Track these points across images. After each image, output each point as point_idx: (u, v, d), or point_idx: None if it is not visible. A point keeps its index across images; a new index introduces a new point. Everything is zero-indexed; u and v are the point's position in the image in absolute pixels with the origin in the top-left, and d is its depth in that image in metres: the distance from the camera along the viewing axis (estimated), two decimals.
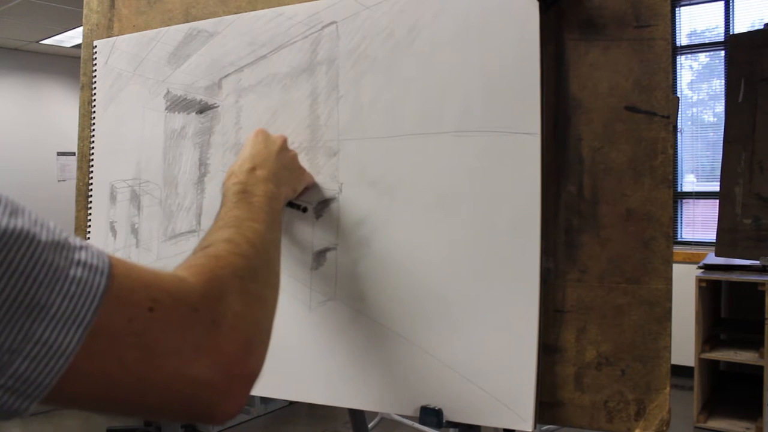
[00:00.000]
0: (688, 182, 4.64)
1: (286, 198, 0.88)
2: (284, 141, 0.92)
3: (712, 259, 3.67)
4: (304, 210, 0.97)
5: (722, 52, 4.41)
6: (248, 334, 0.55)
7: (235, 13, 1.12)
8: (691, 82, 4.71)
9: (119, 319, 0.45)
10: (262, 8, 1.09)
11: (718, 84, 4.51)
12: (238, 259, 0.61)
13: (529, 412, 0.84)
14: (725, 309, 4.03)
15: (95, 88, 1.26)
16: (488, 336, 0.88)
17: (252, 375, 0.54)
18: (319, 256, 0.99)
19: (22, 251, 0.41)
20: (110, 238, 1.21)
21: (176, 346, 0.49)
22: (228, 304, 0.54)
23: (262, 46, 1.07)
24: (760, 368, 3.29)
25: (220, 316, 0.53)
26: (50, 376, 0.42)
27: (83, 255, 0.45)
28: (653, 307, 0.84)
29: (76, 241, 0.46)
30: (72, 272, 0.44)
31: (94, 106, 1.26)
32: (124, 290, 0.46)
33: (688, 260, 4.07)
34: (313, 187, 1.00)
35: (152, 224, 1.17)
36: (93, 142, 1.25)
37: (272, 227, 0.73)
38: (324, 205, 1.00)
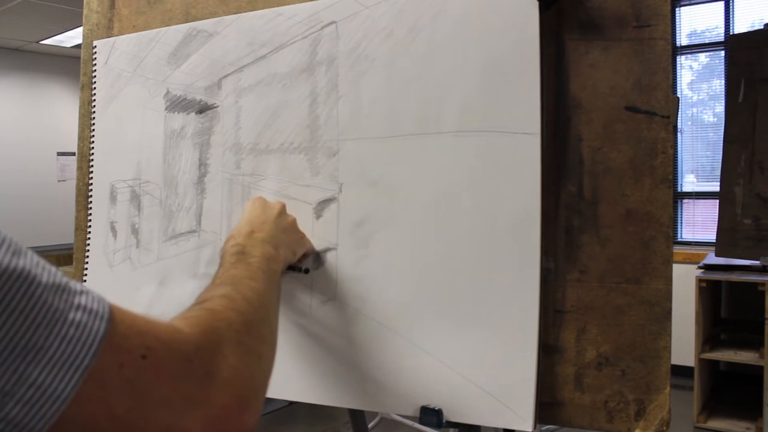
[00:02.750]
0: (688, 182, 4.63)
1: (286, 261, 0.88)
2: (282, 207, 0.93)
3: (712, 259, 3.67)
4: (306, 271, 0.97)
5: (722, 52, 4.40)
6: (243, 389, 0.54)
7: (235, 13, 1.12)
8: (691, 82, 4.71)
9: (111, 364, 0.44)
10: (262, 8, 1.09)
11: (718, 84, 4.51)
12: (234, 314, 0.60)
13: (529, 412, 0.84)
14: (725, 309, 4.03)
15: (95, 88, 1.26)
16: (488, 336, 0.88)
17: (246, 430, 0.53)
18: (319, 256, 0.99)
19: (22, 291, 0.41)
20: (110, 239, 1.21)
21: (167, 397, 0.47)
22: (223, 356, 0.53)
23: (261, 46, 1.07)
24: (760, 368, 3.29)
25: (215, 368, 0.52)
26: (42, 421, 0.41)
27: (83, 299, 0.44)
28: (653, 307, 0.84)
29: (77, 285, 0.45)
30: (71, 316, 0.43)
31: (94, 106, 1.26)
32: (118, 336, 0.45)
33: (688, 260, 4.06)
34: (312, 252, 0.99)
35: (152, 224, 1.17)
36: (93, 142, 1.25)
37: (270, 287, 0.74)
38: (324, 205, 1.00)
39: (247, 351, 0.57)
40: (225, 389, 0.51)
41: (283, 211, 0.93)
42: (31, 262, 0.42)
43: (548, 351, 0.88)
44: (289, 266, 0.91)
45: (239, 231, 0.83)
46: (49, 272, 0.43)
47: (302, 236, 0.97)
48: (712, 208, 4.18)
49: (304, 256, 0.98)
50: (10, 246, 0.42)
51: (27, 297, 0.41)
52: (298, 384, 0.99)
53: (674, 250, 0.87)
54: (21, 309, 0.40)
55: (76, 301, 0.44)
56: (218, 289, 0.66)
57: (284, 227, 0.90)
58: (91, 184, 1.25)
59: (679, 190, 4.56)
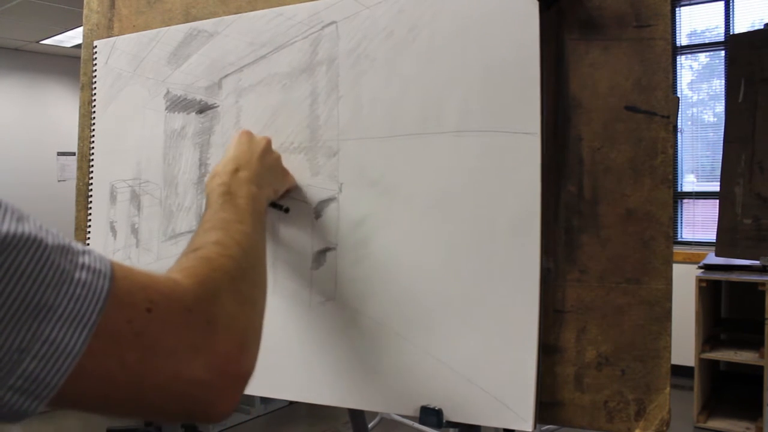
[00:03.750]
0: (688, 182, 4.63)
1: (269, 199, 0.89)
2: (268, 142, 0.93)
3: (712, 259, 3.67)
4: (286, 210, 0.99)
5: (722, 52, 4.40)
6: (241, 334, 0.56)
7: (235, 13, 1.12)
8: (691, 82, 4.71)
9: (119, 320, 0.46)
10: (262, 8, 1.09)
11: (718, 84, 4.51)
12: (228, 262, 0.62)
13: (529, 412, 0.84)
14: (725, 309, 4.03)
15: (95, 88, 1.26)
16: (488, 336, 0.88)
17: (246, 374, 0.56)
18: (319, 256, 0.99)
19: (30, 254, 0.43)
20: (110, 238, 1.21)
21: (173, 347, 0.50)
22: (221, 305, 0.56)
23: (262, 46, 1.07)
24: (760, 368, 3.29)
25: (214, 316, 0.54)
26: (58, 375, 0.43)
27: (87, 259, 0.46)
28: (653, 307, 0.84)
29: (79, 246, 0.47)
30: (77, 275, 0.45)
31: (94, 106, 1.26)
32: (123, 292, 0.47)
33: (688, 260, 4.07)
34: (295, 188, 1.00)
35: (152, 224, 1.17)
36: (93, 142, 1.25)
37: (257, 228, 0.75)
38: (324, 205, 1.00)
39: (243, 298, 0.60)
40: (225, 336, 0.54)
41: (268, 147, 0.92)
42: (34, 225, 0.44)
43: (548, 351, 0.88)
44: (270, 204, 0.91)
45: (224, 168, 0.83)
46: (52, 235, 0.45)
47: (286, 173, 0.98)
48: (712, 208, 4.18)
49: (287, 192, 0.99)
50: (14, 212, 0.43)
51: (35, 259, 0.43)
52: (298, 384, 0.99)
53: (674, 250, 0.87)
54: (30, 271, 0.42)
55: (80, 260, 0.46)
56: (210, 234, 0.68)
57: (269, 165, 0.91)
58: (91, 184, 1.25)
59: (679, 190, 4.56)
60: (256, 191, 0.82)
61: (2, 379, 0.42)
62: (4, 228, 0.42)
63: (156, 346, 0.48)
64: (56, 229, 0.47)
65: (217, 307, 0.55)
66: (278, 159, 0.96)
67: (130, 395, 0.48)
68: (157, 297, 0.50)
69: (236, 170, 0.83)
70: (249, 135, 0.91)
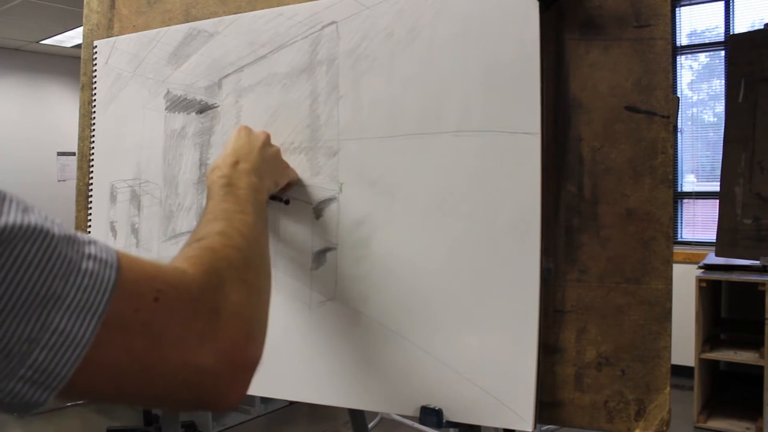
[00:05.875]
0: (688, 182, 4.63)
1: (269, 191, 0.90)
2: (267, 137, 0.93)
3: (712, 259, 3.66)
4: (286, 202, 1.00)
5: (722, 52, 4.40)
6: (248, 323, 0.56)
7: (235, 13, 1.12)
8: (691, 82, 4.71)
9: (127, 309, 0.47)
10: (262, 8, 1.09)
11: (718, 84, 4.51)
12: (232, 251, 0.62)
13: (529, 412, 0.84)
14: (725, 309, 4.03)
15: (95, 88, 1.26)
16: (488, 336, 0.88)
17: (253, 362, 0.56)
18: (319, 256, 1.00)
19: (37, 245, 0.43)
20: (110, 238, 1.21)
21: (181, 335, 0.50)
22: (227, 294, 0.56)
23: (262, 46, 1.07)
24: (760, 368, 3.29)
25: (220, 305, 0.54)
26: (68, 365, 0.43)
27: (93, 249, 0.46)
28: (653, 307, 0.84)
29: (84, 236, 0.47)
30: (84, 265, 0.45)
31: (94, 106, 1.26)
32: (130, 282, 0.47)
33: (688, 260, 4.06)
34: (297, 182, 1.01)
35: (152, 224, 1.17)
36: (93, 142, 1.25)
37: (259, 218, 0.75)
38: (324, 205, 1.00)
39: (248, 287, 0.60)
40: (231, 324, 0.54)
41: (267, 141, 0.93)
42: (40, 216, 0.44)
43: (548, 351, 0.88)
44: (270, 196, 0.91)
45: (224, 161, 0.84)
46: (58, 225, 0.45)
47: (286, 166, 0.98)
48: (712, 208, 4.18)
49: (288, 185, 0.99)
50: (19, 204, 0.43)
51: (43, 250, 0.43)
52: (298, 384, 0.99)
53: (674, 250, 0.87)
54: (38, 261, 0.42)
55: (87, 250, 0.46)
56: (213, 225, 0.68)
57: (268, 157, 0.91)
58: (91, 184, 1.25)
59: (679, 190, 4.56)
60: (256, 182, 0.82)
61: (13, 369, 0.42)
62: (11, 219, 0.42)
63: (164, 334, 0.49)
64: (60, 220, 0.47)
65: (223, 296, 0.55)
66: (277, 152, 0.96)
67: (140, 384, 0.48)
68: (163, 286, 0.50)
69: (236, 162, 0.83)
70: (248, 129, 0.92)
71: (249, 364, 0.55)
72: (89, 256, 0.46)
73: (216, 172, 0.81)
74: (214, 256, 0.60)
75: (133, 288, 0.48)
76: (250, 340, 0.56)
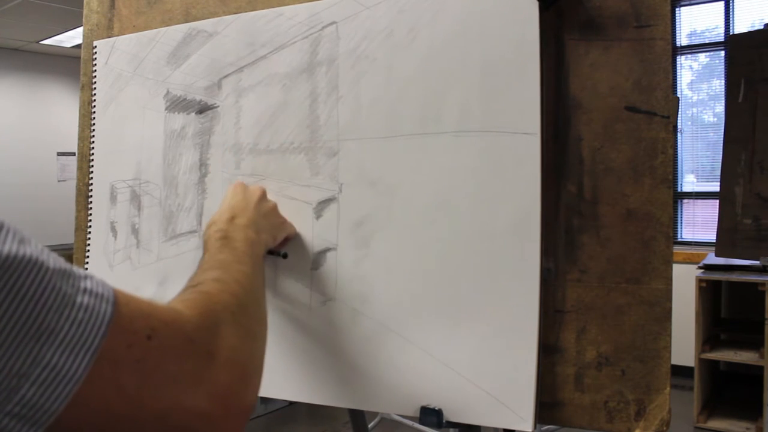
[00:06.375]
0: (688, 182, 4.63)
1: (267, 245, 0.90)
2: (263, 192, 0.94)
3: (712, 259, 3.67)
4: (284, 256, 0.99)
5: (722, 52, 4.40)
6: (243, 367, 0.56)
7: (235, 13, 1.12)
8: (691, 82, 4.71)
9: (120, 345, 0.46)
10: (262, 8, 1.09)
11: (718, 84, 4.51)
12: (228, 297, 0.62)
13: (529, 412, 0.84)
14: (725, 309, 4.03)
15: (95, 88, 1.26)
16: (488, 336, 0.88)
17: (248, 407, 0.55)
18: (319, 256, 0.99)
19: (32, 277, 0.42)
20: (110, 239, 1.21)
21: (174, 375, 0.49)
22: (223, 337, 0.55)
23: (262, 46, 1.07)
24: (760, 368, 3.29)
25: (216, 348, 0.54)
26: (57, 401, 0.42)
27: (89, 284, 0.46)
28: (653, 307, 0.84)
29: (80, 270, 0.47)
30: (79, 299, 0.44)
31: (94, 106, 1.26)
32: (124, 318, 0.46)
33: (688, 260, 4.06)
34: (294, 236, 1.00)
35: (152, 224, 1.17)
36: (93, 142, 1.25)
37: (256, 270, 0.75)
38: (324, 205, 1.00)
39: (244, 331, 0.60)
40: (226, 367, 0.53)
41: (263, 196, 0.93)
42: (36, 248, 0.44)
43: (548, 351, 0.88)
44: (268, 251, 0.92)
45: (220, 217, 0.84)
46: (54, 258, 0.45)
47: (283, 221, 0.98)
48: (712, 208, 4.18)
49: (286, 240, 0.99)
50: (16, 234, 0.43)
51: (37, 282, 0.42)
52: (298, 384, 0.99)
53: (674, 250, 0.87)
54: (32, 294, 0.42)
55: (82, 285, 0.45)
56: (209, 273, 0.68)
57: (265, 212, 0.92)
58: (91, 184, 1.25)
59: (679, 190, 4.56)
60: (253, 236, 0.83)
61: (0, 404, 0.41)
62: (5, 249, 0.41)
63: (156, 373, 0.48)
64: (56, 254, 0.46)
65: (219, 339, 0.55)
66: (274, 207, 0.96)
67: (129, 423, 0.47)
68: (158, 324, 0.49)
69: (233, 218, 0.84)
70: (243, 186, 0.93)
71: (244, 409, 0.54)
72: (85, 290, 0.45)
73: (212, 227, 0.81)
74: (211, 299, 0.59)
75: (128, 324, 0.47)
76: (245, 385, 0.55)
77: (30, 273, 0.42)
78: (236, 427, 0.53)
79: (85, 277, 0.46)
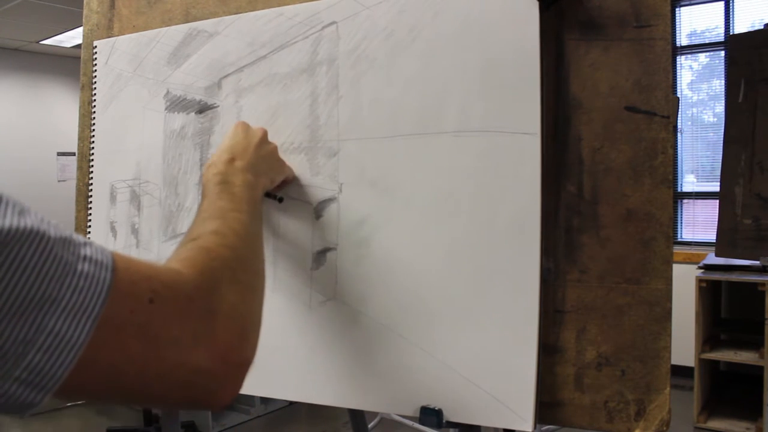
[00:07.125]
0: (688, 182, 4.63)
1: (264, 188, 0.90)
2: (264, 133, 0.93)
3: (712, 259, 3.66)
4: (280, 200, 1.00)
5: (722, 52, 4.40)
6: (242, 323, 0.57)
7: (235, 14, 1.12)
8: (691, 82, 4.71)
9: (122, 310, 0.47)
10: (262, 8, 1.09)
11: (718, 84, 4.51)
12: (227, 251, 0.63)
13: (529, 412, 0.84)
14: (725, 309, 4.03)
15: (95, 88, 1.26)
16: (488, 336, 0.88)
17: (247, 362, 0.56)
18: (319, 256, 0.99)
19: (33, 248, 0.43)
20: (110, 238, 1.21)
21: (176, 336, 0.50)
22: (222, 294, 0.56)
23: (262, 46, 1.07)
24: (760, 368, 3.29)
25: (215, 306, 0.55)
26: (63, 366, 0.44)
27: (88, 251, 0.47)
28: (653, 307, 0.84)
29: (80, 238, 0.48)
30: (80, 267, 0.45)
31: (94, 106, 1.26)
32: (125, 283, 0.47)
33: (688, 260, 4.06)
34: (293, 179, 1.01)
35: (152, 224, 1.17)
36: (93, 142, 1.25)
37: (254, 216, 0.76)
38: (324, 205, 1.00)
39: (243, 287, 0.61)
40: (226, 324, 0.55)
41: (264, 138, 0.92)
42: (36, 218, 0.45)
43: (548, 351, 0.88)
44: (265, 193, 0.91)
45: (220, 158, 0.83)
46: (54, 227, 0.46)
47: (282, 164, 0.98)
48: (712, 208, 4.18)
49: (284, 182, 0.99)
50: (15, 206, 0.44)
51: (39, 252, 0.43)
52: (298, 384, 0.99)
53: (674, 250, 0.87)
54: (34, 264, 0.43)
55: (82, 252, 0.46)
56: (207, 223, 0.68)
57: (264, 155, 0.91)
58: (91, 184, 1.25)
59: (679, 190, 4.55)
60: (252, 180, 0.82)
61: (8, 371, 0.42)
62: (7, 222, 0.42)
63: (159, 335, 0.49)
64: (56, 221, 0.47)
65: (218, 296, 0.56)
66: (274, 149, 0.96)
67: (135, 384, 0.49)
68: (159, 287, 0.50)
69: (232, 159, 0.83)
70: (245, 125, 0.92)
71: (243, 364, 0.56)
72: (85, 257, 0.46)
73: (211, 170, 0.81)
74: (209, 256, 0.60)
75: (129, 289, 0.48)
76: (244, 340, 0.56)
77: (32, 244, 0.43)
78: (237, 381, 0.55)
79: (85, 244, 0.47)
